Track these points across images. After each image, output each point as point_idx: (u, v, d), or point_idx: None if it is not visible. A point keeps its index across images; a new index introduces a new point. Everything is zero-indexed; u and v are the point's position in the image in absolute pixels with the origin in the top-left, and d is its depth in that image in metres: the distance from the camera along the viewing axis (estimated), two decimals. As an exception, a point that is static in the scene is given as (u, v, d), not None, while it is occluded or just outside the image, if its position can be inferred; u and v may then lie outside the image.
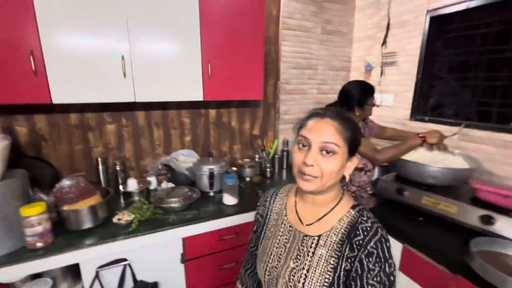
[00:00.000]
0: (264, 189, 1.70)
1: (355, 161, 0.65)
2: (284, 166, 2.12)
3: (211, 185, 1.51)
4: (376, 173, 1.73)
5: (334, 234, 0.64)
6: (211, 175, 1.51)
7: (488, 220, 1.19)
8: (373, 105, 1.44)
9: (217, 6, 1.43)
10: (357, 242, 0.60)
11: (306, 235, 0.67)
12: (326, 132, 0.60)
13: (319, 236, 0.65)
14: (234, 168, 1.86)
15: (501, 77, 1.48)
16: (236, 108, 1.95)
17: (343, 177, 0.66)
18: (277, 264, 0.69)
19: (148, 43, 1.32)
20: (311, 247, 0.65)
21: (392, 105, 2.01)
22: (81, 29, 1.19)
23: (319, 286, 0.61)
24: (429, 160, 1.41)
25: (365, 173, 1.44)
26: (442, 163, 1.38)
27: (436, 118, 1.77)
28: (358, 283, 0.58)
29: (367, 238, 0.60)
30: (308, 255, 0.65)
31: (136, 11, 1.27)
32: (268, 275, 0.70)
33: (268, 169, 1.93)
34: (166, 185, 1.61)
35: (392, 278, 0.59)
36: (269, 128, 2.12)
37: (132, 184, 1.50)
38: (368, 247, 0.58)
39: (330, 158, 0.60)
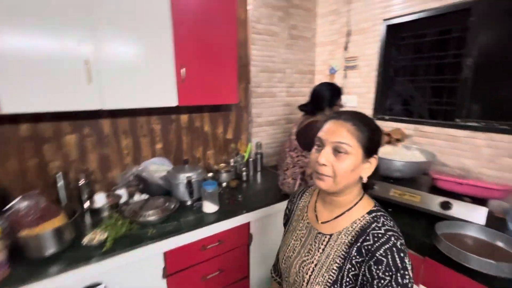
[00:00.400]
0: (242, 193, 1.69)
1: (374, 163, 0.66)
2: (259, 169, 2.13)
3: (191, 193, 1.46)
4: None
5: (345, 235, 0.65)
6: (190, 183, 1.45)
7: (446, 205, 1.34)
8: (341, 106, 1.55)
9: (190, 9, 1.39)
10: (366, 247, 0.61)
11: (319, 232, 0.70)
12: (339, 133, 0.63)
13: (330, 235, 0.68)
14: (210, 174, 1.82)
15: (445, 79, 1.69)
16: (208, 112, 1.91)
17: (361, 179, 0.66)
18: (292, 255, 0.74)
19: (117, 46, 1.23)
20: (322, 244, 0.68)
21: (356, 105, 2.16)
22: (36, 29, 1.05)
23: (323, 281, 0.63)
24: (392, 156, 1.55)
25: None
26: (405, 157, 1.52)
27: (395, 116, 1.95)
28: None
29: (377, 244, 0.59)
30: (318, 251, 0.68)
31: (103, 10, 1.17)
32: (284, 264, 0.76)
33: (244, 173, 1.92)
34: (138, 197, 1.51)
35: None
36: (242, 132, 2.11)
37: (100, 199, 1.37)
38: (377, 254, 0.58)
39: (343, 157, 0.62)
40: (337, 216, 0.69)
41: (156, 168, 1.67)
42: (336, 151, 0.63)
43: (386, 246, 0.59)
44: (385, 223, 0.63)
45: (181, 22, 1.36)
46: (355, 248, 0.62)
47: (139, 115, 1.65)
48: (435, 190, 1.39)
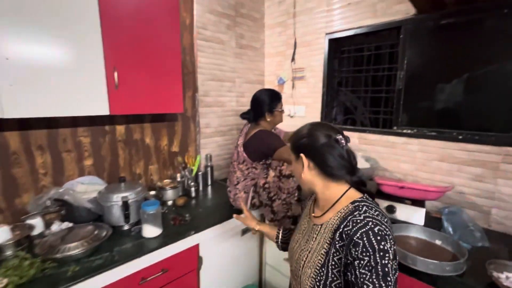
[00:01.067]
0: (191, 211, 1.53)
1: (303, 160, 0.77)
2: (209, 182, 1.99)
3: (127, 217, 1.24)
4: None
5: (331, 224, 0.73)
6: (126, 205, 1.24)
7: (391, 209, 1.40)
8: (282, 111, 1.54)
9: (122, 5, 1.22)
10: (346, 232, 0.66)
11: (314, 224, 0.79)
12: None
13: (321, 225, 0.76)
14: (153, 192, 1.61)
15: (382, 90, 1.82)
16: (150, 123, 1.72)
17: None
18: (295, 246, 0.84)
19: (28, 42, 0.99)
20: (315, 233, 0.77)
21: (304, 115, 2.20)
22: None
23: (313, 265, 0.72)
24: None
25: (293, 178, 1.48)
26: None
27: (340, 126, 2.04)
28: (352, 271, 0.63)
29: (354, 229, 0.65)
30: (312, 240, 0.77)
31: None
32: (289, 254, 0.88)
33: (192, 188, 1.76)
34: (59, 226, 1.23)
35: (386, 269, 0.61)
36: (189, 143, 1.96)
37: (2, 234, 1.07)
38: (354, 238, 0.64)
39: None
40: (326, 211, 0.76)
41: (85, 188, 1.41)
42: None
43: (362, 230, 0.64)
44: (367, 211, 0.68)
45: (112, 18, 1.19)
46: (337, 234, 0.68)
47: (62, 127, 1.38)
48: (381, 194, 1.45)
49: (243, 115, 1.55)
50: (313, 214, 0.82)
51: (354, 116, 2.03)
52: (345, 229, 0.67)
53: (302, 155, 0.76)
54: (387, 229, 0.65)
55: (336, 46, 1.99)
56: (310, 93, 2.13)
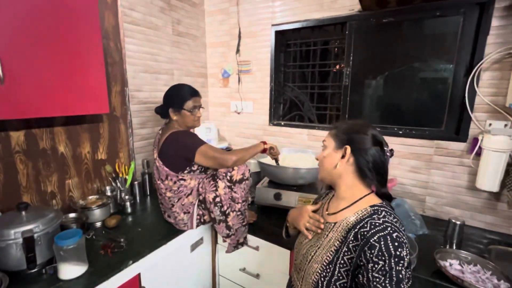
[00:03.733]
0: (126, 233, 1.26)
1: (340, 153, 0.75)
2: (148, 192, 1.71)
3: (30, 261, 0.91)
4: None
5: (346, 223, 0.72)
6: (29, 242, 0.91)
7: (345, 207, 1.40)
8: (192, 111, 1.29)
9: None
10: (362, 233, 0.65)
11: (327, 222, 0.78)
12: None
13: (334, 223, 0.75)
14: (72, 215, 1.27)
15: (328, 86, 1.83)
16: (63, 126, 1.34)
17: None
18: (303, 241, 0.83)
19: None
20: (327, 231, 0.76)
21: (252, 111, 2.08)
22: None
23: (321, 261, 0.71)
24: (296, 163, 1.53)
25: (246, 182, 1.29)
26: (307, 164, 1.52)
27: (289, 122, 1.99)
28: (365, 274, 0.62)
29: (372, 231, 0.64)
30: (323, 237, 0.76)
31: None
32: (296, 248, 0.87)
33: (128, 202, 1.47)
34: None
35: (401, 275, 0.60)
36: (120, 148, 1.63)
37: None
38: (371, 240, 0.62)
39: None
40: (343, 209, 0.75)
41: (-37, 223, 1.00)
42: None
43: (380, 234, 0.62)
44: (386, 216, 0.67)
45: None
46: (352, 233, 0.68)
47: None
48: (334, 193, 1.44)
49: (156, 109, 1.35)
50: (326, 212, 0.82)
51: (302, 112, 2.00)
52: (362, 230, 0.66)
53: (348, 147, 0.73)
54: (404, 237, 0.64)
55: (282, 39, 1.91)
56: (258, 88, 2.01)
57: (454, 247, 1.21)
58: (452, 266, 1.05)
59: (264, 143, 1.34)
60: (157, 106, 1.36)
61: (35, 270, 0.97)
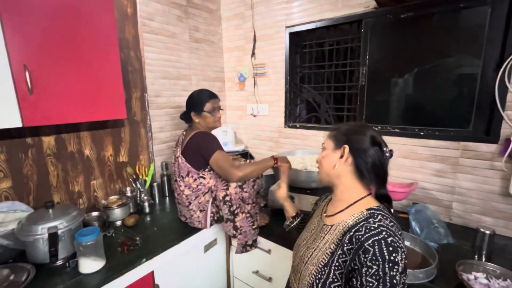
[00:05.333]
0: (144, 231, 1.33)
1: (339, 153, 0.75)
2: (167, 194, 1.79)
3: (53, 255, 0.99)
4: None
5: (342, 226, 0.71)
6: (53, 238, 1.00)
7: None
8: (212, 113, 1.35)
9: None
10: (356, 237, 0.65)
11: (325, 224, 0.78)
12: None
13: (331, 226, 0.75)
14: (95, 214, 1.37)
15: (345, 87, 1.77)
16: (88, 131, 1.45)
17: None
18: (301, 243, 0.84)
19: None
20: (324, 233, 0.76)
21: (268, 114, 2.08)
22: None
23: (316, 263, 0.71)
24: (308, 167, 1.50)
25: (255, 181, 1.31)
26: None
27: (305, 124, 1.96)
28: (359, 278, 0.61)
29: (367, 235, 0.63)
30: (320, 239, 0.76)
31: None
32: (295, 250, 0.87)
33: (146, 203, 1.55)
34: (-39, 273, 0.95)
35: (395, 281, 0.59)
36: (141, 151, 1.72)
37: None
38: (365, 244, 0.62)
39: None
40: (340, 211, 0.75)
41: (2, 218, 1.13)
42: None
43: (375, 238, 0.62)
44: (381, 220, 0.66)
45: (15, 2, 0.92)
46: (347, 236, 0.67)
47: (-39, 143, 1.07)
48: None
49: (181, 116, 1.43)
50: (324, 214, 0.82)
51: (318, 114, 1.96)
52: (357, 233, 0.65)
53: (346, 146, 0.73)
54: (400, 242, 0.63)
55: (297, 40, 1.89)
56: (273, 91, 2.01)
57: (484, 259, 1.10)
58: (477, 279, 0.96)
59: (275, 158, 1.29)
60: (181, 113, 1.43)
61: (60, 263, 1.06)
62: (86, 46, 1.13)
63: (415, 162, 1.47)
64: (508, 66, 1.17)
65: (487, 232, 1.10)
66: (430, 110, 1.47)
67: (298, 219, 1.04)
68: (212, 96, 1.38)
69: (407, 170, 1.51)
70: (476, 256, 1.12)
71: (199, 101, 1.35)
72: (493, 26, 1.21)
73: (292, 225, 1.05)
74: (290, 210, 1.07)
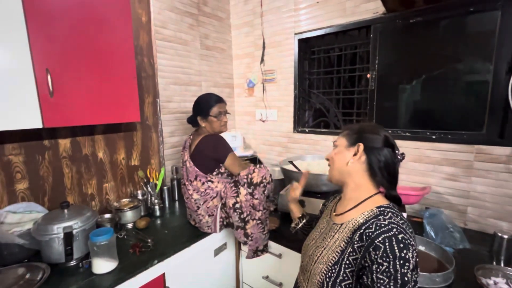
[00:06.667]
0: (155, 234, 1.33)
1: (352, 151, 0.75)
2: (177, 197, 1.79)
3: (68, 254, 1.01)
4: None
5: (352, 224, 0.71)
6: (68, 238, 1.01)
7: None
8: (218, 117, 1.34)
9: (55, -6, 1.01)
10: (367, 234, 0.64)
11: (334, 223, 0.78)
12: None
13: (341, 224, 0.75)
14: (107, 216, 1.38)
15: (354, 92, 1.78)
16: (102, 134, 1.49)
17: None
18: (310, 243, 0.83)
19: None
20: (334, 231, 0.76)
21: (276, 119, 2.10)
22: None
23: (326, 261, 0.71)
24: (319, 171, 1.50)
25: (265, 186, 1.27)
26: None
27: (314, 129, 1.96)
28: (369, 275, 0.61)
29: (377, 232, 0.63)
30: (330, 238, 0.76)
31: None
32: (302, 250, 0.87)
33: (157, 206, 1.56)
34: (-22, 271, 0.97)
35: (406, 278, 0.58)
36: (152, 155, 1.75)
37: None
38: (376, 241, 0.61)
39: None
40: (349, 209, 0.75)
41: (17, 219, 1.15)
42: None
43: (385, 235, 0.61)
44: (392, 217, 0.66)
45: (41, 7, 0.97)
46: (358, 234, 0.67)
47: (-18, 144, 1.11)
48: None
49: (188, 119, 1.45)
50: (334, 213, 0.82)
51: (327, 119, 1.97)
52: (367, 230, 0.65)
53: (361, 144, 0.73)
54: (410, 239, 0.62)
55: (306, 46, 1.92)
56: (282, 96, 2.03)
57: (502, 264, 1.07)
58: (497, 284, 0.93)
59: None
60: (188, 116, 1.44)
61: (73, 263, 1.07)
62: (105, 52, 1.17)
63: (428, 166, 1.46)
64: (521, 68, 1.16)
65: (505, 236, 1.08)
66: (442, 114, 1.46)
67: (304, 221, 1.04)
68: (218, 100, 1.37)
69: (419, 174, 1.49)
70: (494, 262, 1.09)
71: (205, 106, 1.34)
72: (504, 30, 1.21)
73: (298, 227, 1.05)
74: (296, 211, 1.07)
